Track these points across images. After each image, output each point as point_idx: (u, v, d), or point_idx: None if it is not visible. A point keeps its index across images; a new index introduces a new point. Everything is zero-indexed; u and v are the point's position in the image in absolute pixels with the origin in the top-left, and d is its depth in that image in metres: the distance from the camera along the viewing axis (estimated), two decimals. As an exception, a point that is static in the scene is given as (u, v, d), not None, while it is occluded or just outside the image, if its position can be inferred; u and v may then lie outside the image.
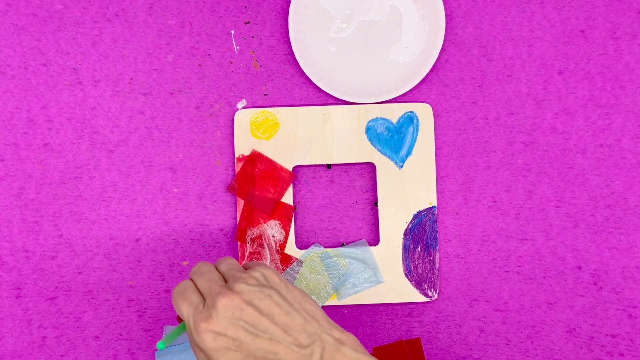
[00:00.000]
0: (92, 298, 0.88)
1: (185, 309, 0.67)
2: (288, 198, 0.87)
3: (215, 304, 0.65)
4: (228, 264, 0.71)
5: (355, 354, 0.66)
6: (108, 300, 0.88)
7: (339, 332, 0.68)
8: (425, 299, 0.87)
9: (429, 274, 0.87)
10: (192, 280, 0.70)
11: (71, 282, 0.87)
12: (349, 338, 0.68)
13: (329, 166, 0.88)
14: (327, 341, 0.67)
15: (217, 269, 0.71)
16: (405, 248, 0.87)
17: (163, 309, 0.88)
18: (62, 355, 0.87)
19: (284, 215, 0.87)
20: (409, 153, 0.87)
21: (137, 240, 0.88)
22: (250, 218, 0.87)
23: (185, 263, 0.88)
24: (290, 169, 0.87)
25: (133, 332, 0.88)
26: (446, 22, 0.88)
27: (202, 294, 0.68)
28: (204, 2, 0.88)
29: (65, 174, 0.87)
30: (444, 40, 0.88)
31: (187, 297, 0.68)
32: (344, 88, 0.87)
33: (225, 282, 0.69)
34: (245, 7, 0.89)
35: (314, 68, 0.87)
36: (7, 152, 0.87)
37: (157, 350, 0.66)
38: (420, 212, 0.87)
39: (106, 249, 0.88)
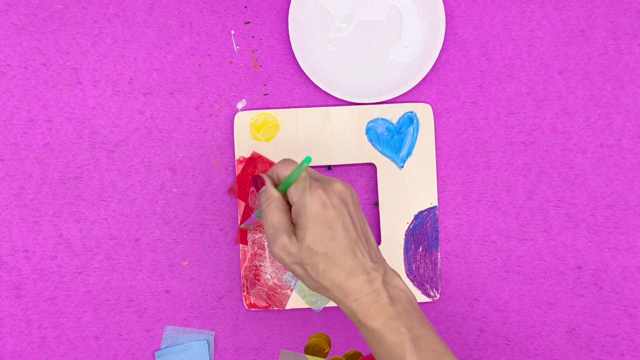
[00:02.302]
0: (92, 298, 0.87)
1: (299, 171, 0.69)
2: (288, 198, 0.87)
3: (332, 184, 0.70)
4: (317, 174, 0.74)
5: (405, 286, 0.72)
6: (108, 300, 0.88)
7: (389, 266, 0.73)
8: (427, 299, 0.87)
9: (430, 274, 0.87)
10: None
11: (71, 282, 0.87)
12: (399, 274, 0.73)
13: (329, 167, 0.88)
14: (387, 268, 0.72)
15: None
16: (406, 248, 0.87)
17: (163, 309, 0.88)
18: (62, 355, 0.87)
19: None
20: (409, 153, 0.87)
21: (137, 240, 0.88)
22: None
23: (185, 263, 0.88)
24: (291, 169, 0.87)
25: (133, 332, 0.88)
26: (446, 22, 0.88)
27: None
28: (204, 2, 0.88)
29: (65, 174, 0.87)
30: (444, 40, 0.88)
31: (290, 166, 0.72)
32: (344, 88, 0.87)
33: None
34: (245, 7, 0.88)
35: (314, 68, 0.87)
36: (7, 152, 0.87)
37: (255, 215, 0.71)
38: (422, 212, 0.87)
39: (106, 249, 0.87)
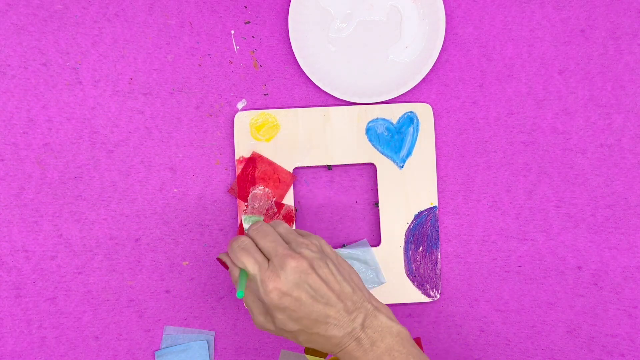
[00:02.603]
0: (92, 298, 0.87)
1: (251, 266, 0.72)
2: (289, 199, 0.87)
3: (284, 265, 0.71)
4: (285, 227, 0.76)
5: (389, 321, 0.73)
6: (108, 300, 0.87)
7: (375, 302, 0.75)
8: (427, 300, 0.87)
9: (430, 274, 0.87)
10: (252, 238, 0.75)
11: (71, 282, 0.87)
12: (384, 307, 0.75)
13: (329, 167, 0.88)
14: (368, 308, 0.73)
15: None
16: (406, 248, 0.87)
17: (163, 309, 0.88)
18: (61, 356, 0.87)
19: (286, 217, 0.87)
20: (409, 153, 0.87)
21: (137, 240, 0.88)
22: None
23: (185, 263, 0.88)
24: (291, 171, 0.87)
25: (133, 332, 0.88)
26: (446, 22, 0.88)
27: (264, 254, 0.74)
28: (204, 2, 0.88)
29: (65, 174, 0.87)
30: (444, 40, 0.88)
31: (252, 254, 0.73)
32: (344, 88, 0.87)
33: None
34: (245, 7, 0.88)
35: (314, 68, 0.87)
36: (7, 152, 0.87)
37: (237, 296, 0.73)
38: (422, 212, 0.87)
39: (106, 249, 0.87)
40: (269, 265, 0.72)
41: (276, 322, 0.72)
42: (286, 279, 0.71)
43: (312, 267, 0.72)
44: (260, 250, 0.74)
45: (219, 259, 0.78)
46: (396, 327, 0.73)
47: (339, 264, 0.75)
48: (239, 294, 0.70)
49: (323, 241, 0.76)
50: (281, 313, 0.71)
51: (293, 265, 0.71)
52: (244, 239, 0.75)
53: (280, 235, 0.75)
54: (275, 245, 0.73)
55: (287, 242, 0.74)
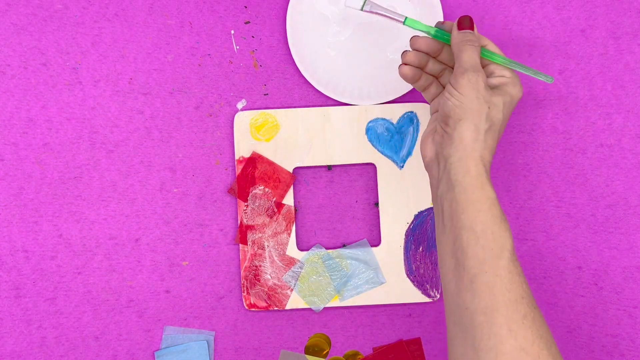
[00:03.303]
0: (92, 298, 0.87)
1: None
2: (289, 199, 0.87)
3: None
4: None
5: None
6: (108, 300, 0.87)
7: None
8: (427, 300, 0.87)
9: (430, 274, 0.87)
10: None
11: (70, 283, 0.87)
12: None
13: (329, 167, 0.88)
14: None
15: None
16: (406, 248, 0.87)
17: (163, 309, 0.88)
18: (61, 356, 0.87)
19: (286, 217, 0.87)
20: (409, 153, 0.87)
21: (137, 240, 0.88)
22: (251, 220, 0.87)
23: (185, 263, 0.88)
24: (291, 171, 0.87)
25: (133, 332, 0.88)
26: (446, 22, 0.88)
27: None
28: (204, 2, 0.88)
29: (65, 174, 0.87)
30: (444, 40, 0.88)
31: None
32: (345, 92, 0.87)
33: None
34: (245, 7, 0.88)
35: (315, 73, 0.87)
36: (6, 152, 0.87)
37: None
38: (422, 212, 0.87)
39: (106, 249, 0.87)
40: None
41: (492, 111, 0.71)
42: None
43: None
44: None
45: (467, 19, 0.76)
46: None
47: None
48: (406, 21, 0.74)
49: None
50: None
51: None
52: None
53: None
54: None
55: None
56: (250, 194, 0.87)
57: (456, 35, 0.74)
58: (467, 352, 0.65)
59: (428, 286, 0.87)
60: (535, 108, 0.88)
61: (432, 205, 0.87)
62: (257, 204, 0.87)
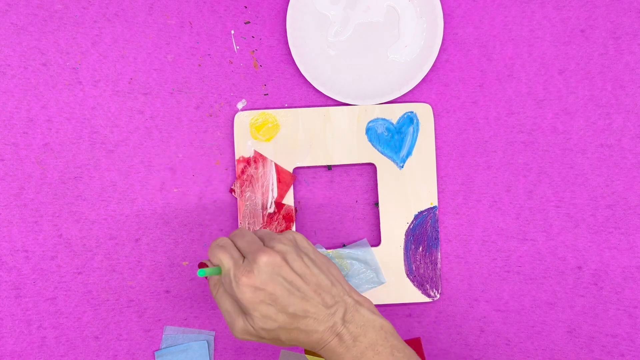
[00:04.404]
0: (92, 298, 0.87)
1: (226, 260, 0.72)
2: (289, 199, 0.87)
3: (257, 260, 0.70)
4: (265, 231, 0.76)
5: (371, 315, 0.72)
6: (108, 300, 0.87)
7: (357, 295, 0.74)
8: (427, 299, 0.87)
9: (430, 274, 0.87)
10: (231, 240, 0.75)
11: (71, 282, 0.87)
12: (366, 301, 0.74)
13: (329, 167, 0.88)
14: (348, 302, 0.72)
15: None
16: (406, 248, 0.87)
17: (163, 309, 0.88)
18: (62, 356, 0.87)
19: (286, 216, 0.87)
20: (409, 153, 0.87)
21: (137, 240, 0.88)
22: (251, 220, 0.87)
23: (185, 263, 0.88)
24: (291, 171, 0.87)
25: (133, 332, 0.88)
26: (446, 22, 0.88)
27: (241, 253, 0.73)
28: (204, 2, 0.88)
29: (65, 174, 0.87)
30: (444, 40, 0.88)
31: (228, 250, 0.73)
32: (345, 92, 0.87)
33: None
34: (245, 7, 0.88)
35: (315, 73, 0.87)
36: (7, 152, 0.87)
37: (198, 275, 0.72)
38: (422, 212, 0.87)
39: (106, 249, 0.87)
40: (243, 262, 0.71)
41: (255, 321, 0.71)
42: (259, 273, 0.70)
43: (286, 261, 0.71)
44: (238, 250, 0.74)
45: (200, 264, 0.77)
46: (379, 320, 0.72)
47: (316, 257, 0.74)
48: (200, 272, 0.70)
49: (300, 236, 0.75)
50: (257, 311, 0.70)
51: (265, 260, 0.70)
52: (222, 238, 0.75)
53: (258, 236, 0.75)
54: (251, 244, 0.73)
55: (262, 241, 0.74)
56: (250, 194, 0.87)
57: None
58: None
59: (428, 286, 0.87)
60: (535, 108, 0.88)
61: (432, 205, 0.87)
62: (257, 204, 0.87)
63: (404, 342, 0.73)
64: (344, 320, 0.71)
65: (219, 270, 0.73)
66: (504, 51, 0.88)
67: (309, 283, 0.71)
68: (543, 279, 0.88)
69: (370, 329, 0.72)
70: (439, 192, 0.88)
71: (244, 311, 0.72)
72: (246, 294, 0.70)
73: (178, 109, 0.88)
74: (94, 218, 0.87)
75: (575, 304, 0.88)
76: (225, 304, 0.73)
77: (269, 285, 0.70)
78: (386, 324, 0.72)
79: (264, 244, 0.73)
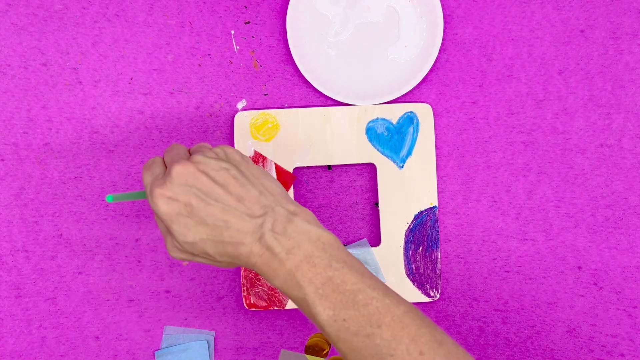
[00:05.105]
0: (92, 298, 0.87)
1: (146, 178, 0.70)
2: (288, 198, 0.87)
3: (170, 171, 0.68)
4: (201, 145, 0.73)
5: (307, 225, 0.67)
6: (108, 300, 0.88)
7: (293, 206, 0.68)
8: (427, 299, 0.87)
9: (430, 274, 0.87)
10: (162, 157, 0.73)
11: (71, 282, 0.87)
12: (303, 211, 0.68)
13: (329, 167, 0.88)
14: (279, 212, 0.67)
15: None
16: (406, 248, 0.87)
17: (163, 309, 0.88)
18: (62, 356, 0.87)
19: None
20: (409, 153, 0.87)
21: (137, 240, 0.88)
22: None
23: (185, 263, 0.88)
24: (291, 171, 0.87)
25: (133, 332, 0.88)
26: (446, 22, 0.88)
27: (165, 167, 0.71)
28: (204, 2, 0.88)
29: (65, 174, 0.87)
30: (444, 40, 0.88)
31: (151, 168, 0.70)
32: (345, 92, 0.87)
33: None
34: (245, 7, 0.88)
35: (315, 73, 0.87)
36: (7, 152, 0.87)
37: (106, 201, 0.70)
38: (422, 212, 0.87)
39: (106, 249, 0.87)
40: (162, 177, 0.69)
41: (175, 235, 0.67)
42: (171, 184, 0.67)
43: (203, 171, 0.67)
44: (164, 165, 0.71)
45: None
46: (316, 230, 0.66)
47: (247, 170, 0.70)
48: (108, 198, 0.69)
49: (233, 149, 0.71)
50: (175, 223, 0.67)
51: (177, 169, 0.67)
52: (153, 158, 0.72)
53: (191, 150, 0.73)
54: (174, 157, 0.70)
55: (190, 154, 0.72)
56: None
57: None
58: None
59: (428, 286, 0.87)
60: (535, 108, 0.88)
61: (432, 205, 0.87)
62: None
63: (350, 254, 0.67)
64: (273, 232, 0.66)
65: (134, 194, 0.70)
66: (503, 51, 0.88)
67: (232, 193, 0.67)
68: (543, 279, 0.88)
69: (305, 240, 0.66)
70: (438, 192, 0.88)
71: (167, 227, 0.69)
72: (160, 206, 0.67)
73: (178, 109, 0.88)
74: (94, 218, 0.87)
75: (575, 303, 0.88)
76: (160, 227, 0.70)
77: (181, 195, 0.67)
78: (325, 235, 0.66)
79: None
